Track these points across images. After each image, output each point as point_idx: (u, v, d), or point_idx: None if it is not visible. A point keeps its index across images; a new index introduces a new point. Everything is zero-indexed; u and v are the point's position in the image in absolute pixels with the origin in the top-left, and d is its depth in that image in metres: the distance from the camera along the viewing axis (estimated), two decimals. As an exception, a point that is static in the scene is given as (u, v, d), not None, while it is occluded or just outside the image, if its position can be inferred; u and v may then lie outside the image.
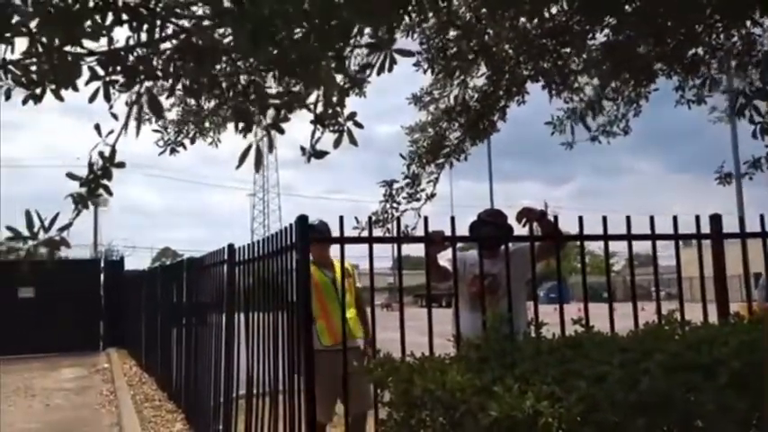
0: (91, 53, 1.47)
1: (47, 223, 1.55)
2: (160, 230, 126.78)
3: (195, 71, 1.51)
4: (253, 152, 1.60)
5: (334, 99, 1.60)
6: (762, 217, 3.98)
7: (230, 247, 5.53)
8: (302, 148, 1.76)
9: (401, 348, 3.32)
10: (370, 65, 1.65)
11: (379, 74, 1.60)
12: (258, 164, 1.62)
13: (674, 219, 3.90)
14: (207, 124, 3.43)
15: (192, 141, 2.46)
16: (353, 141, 1.70)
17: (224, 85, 1.74)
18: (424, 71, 4.84)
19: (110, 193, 1.62)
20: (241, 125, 1.63)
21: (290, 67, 1.51)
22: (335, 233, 3.71)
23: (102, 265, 17.35)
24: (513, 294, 3.73)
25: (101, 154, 1.56)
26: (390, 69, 1.67)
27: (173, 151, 3.35)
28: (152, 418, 7.36)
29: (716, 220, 4.01)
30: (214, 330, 5.95)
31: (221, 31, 1.56)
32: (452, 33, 4.62)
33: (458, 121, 5.15)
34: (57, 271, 16.60)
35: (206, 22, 1.49)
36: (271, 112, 1.64)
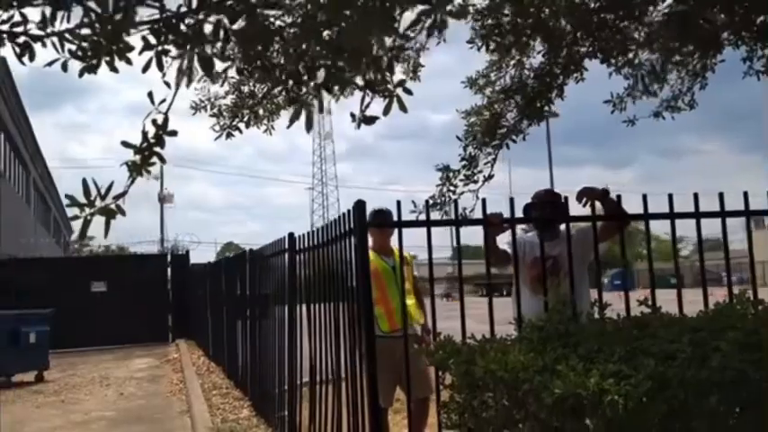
0: (143, 22, 1.50)
1: (103, 191, 1.59)
2: (223, 226, 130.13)
3: (244, 39, 1.51)
4: (303, 113, 1.61)
5: (384, 63, 1.59)
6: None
7: (290, 235, 5.61)
8: (352, 115, 1.75)
9: (462, 333, 3.29)
10: (419, 21, 1.61)
11: (429, 35, 1.57)
12: (309, 124, 1.62)
13: (745, 194, 3.73)
14: (261, 111, 3.47)
15: (248, 126, 2.49)
16: (403, 108, 1.68)
17: (274, 62, 1.76)
18: (478, 48, 4.74)
19: (163, 161, 1.65)
20: (294, 109, 1.64)
21: (328, 41, 1.51)
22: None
23: (169, 259, 17.91)
24: (575, 276, 3.64)
25: (154, 122, 1.59)
26: (441, 31, 1.65)
27: (228, 135, 3.40)
28: (220, 405, 7.56)
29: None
30: (277, 319, 6.06)
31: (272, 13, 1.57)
32: (507, 10, 4.51)
33: (514, 100, 5.04)
34: (127, 266, 17.33)
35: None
36: (321, 74, 1.64)
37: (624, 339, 2.61)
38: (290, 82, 1.84)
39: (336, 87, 1.68)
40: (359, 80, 1.64)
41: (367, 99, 1.68)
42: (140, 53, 1.53)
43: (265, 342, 6.63)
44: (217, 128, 3.40)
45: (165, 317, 16.22)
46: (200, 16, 1.50)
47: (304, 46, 1.67)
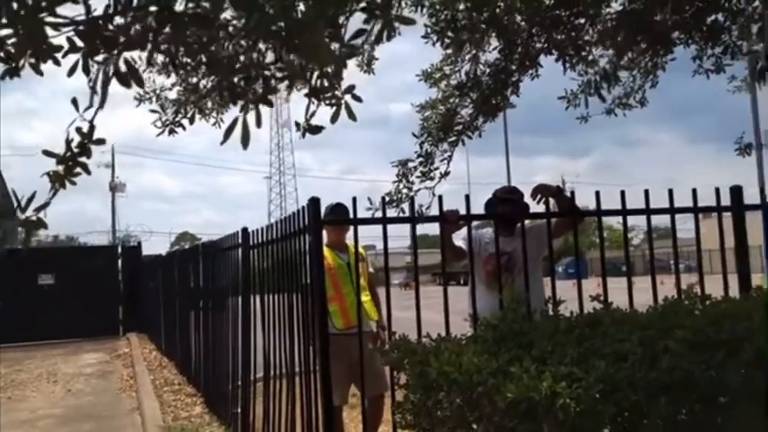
0: (68, 23, 1.41)
1: (23, 203, 1.50)
2: (178, 215, 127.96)
3: (173, 40, 1.44)
4: (239, 127, 1.54)
5: (330, 70, 1.53)
6: (784, 187, 3.88)
7: (244, 230, 5.51)
8: (297, 124, 1.69)
9: (417, 330, 3.28)
10: (364, 30, 1.55)
11: (377, 42, 1.54)
12: (245, 140, 1.55)
13: (694, 191, 3.81)
14: (210, 104, 3.35)
15: (191, 121, 2.38)
16: (352, 116, 1.63)
17: (204, 58, 1.68)
18: (433, 44, 4.71)
19: (88, 172, 1.56)
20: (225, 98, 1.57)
21: (277, 34, 1.44)
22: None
23: (120, 250, 17.51)
24: (530, 272, 3.67)
25: (78, 130, 1.50)
26: (389, 38, 1.60)
27: (171, 132, 3.27)
28: (172, 402, 7.42)
29: (736, 192, 3.91)
30: (231, 314, 5.96)
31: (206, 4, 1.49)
32: (462, 5, 4.48)
33: (470, 96, 5.03)
34: (75, 257, 16.85)
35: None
36: (259, 86, 1.57)
37: (576, 339, 2.63)
38: (237, 77, 1.75)
39: (272, 83, 1.61)
40: (304, 87, 1.57)
41: (312, 107, 1.62)
42: (64, 55, 1.43)
43: (219, 337, 6.52)
44: (159, 123, 3.26)
45: (116, 310, 15.86)
46: (128, 19, 1.42)
47: (245, 42, 1.61)
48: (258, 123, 1.55)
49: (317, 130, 1.66)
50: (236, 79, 1.58)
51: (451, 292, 3.50)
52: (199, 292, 7.98)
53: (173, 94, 3.26)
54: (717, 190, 3.84)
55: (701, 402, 2.37)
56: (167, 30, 1.42)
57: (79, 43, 1.42)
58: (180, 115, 3.16)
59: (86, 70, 1.45)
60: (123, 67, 1.44)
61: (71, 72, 1.46)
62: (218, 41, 1.59)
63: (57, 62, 1.43)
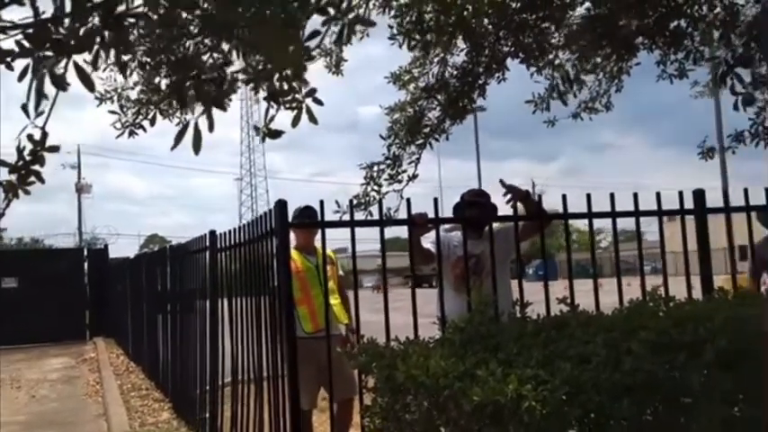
0: (14, 26, 1.37)
1: None
2: (148, 217, 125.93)
3: (118, 42, 1.40)
4: (191, 131, 1.51)
5: (289, 72, 1.50)
6: (746, 191, 3.96)
7: (212, 233, 5.46)
8: (256, 128, 1.66)
9: (386, 333, 3.27)
10: (319, 32, 1.53)
11: (337, 44, 1.52)
12: (197, 145, 1.52)
13: (658, 195, 3.86)
14: (174, 103, 3.28)
15: (152, 123, 2.32)
16: (313, 120, 1.60)
17: (164, 58, 1.65)
18: (400, 45, 4.71)
19: (41, 181, 1.51)
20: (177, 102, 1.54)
21: (219, 30, 1.41)
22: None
23: (86, 253, 17.20)
24: (498, 275, 3.69)
25: (30, 137, 1.46)
26: (348, 40, 1.58)
27: (131, 134, 3.19)
28: (139, 407, 7.31)
29: (699, 195, 3.98)
30: (199, 318, 5.89)
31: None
32: (428, 7, 4.49)
33: (437, 99, 5.05)
34: (40, 260, 16.50)
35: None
36: (210, 87, 1.54)
37: (543, 342, 2.65)
38: (201, 77, 1.72)
39: (226, 87, 1.58)
40: (263, 90, 1.55)
41: (272, 111, 1.59)
42: (13, 59, 1.39)
43: (187, 341, 6.44)
44: (118, 125, 3.18)
45: (82, 314, 15.57)
46: (76, 22, 1.38)
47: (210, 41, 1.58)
48: (210, 128, 1.52)
49: (276, 134, 1.63)
50: (188, 83, 1.55)
51: (422, 295, 3.51)
52: (167, 296, 7.87)
53: (134, 95, 3.19)
54: (680, 193, 3.91)
55: (664, 403, 2.40)
56: (112, 32, 1.38)
57: (28, 47, 1.37)
58: (141, 116, 3.10)
59: (36, 74, 1.40)
60: (61, 71, 1.39)
61: (21, 76, 1.42)
62: (177, 41, 1.56)
63: (9, 66, 1.39)
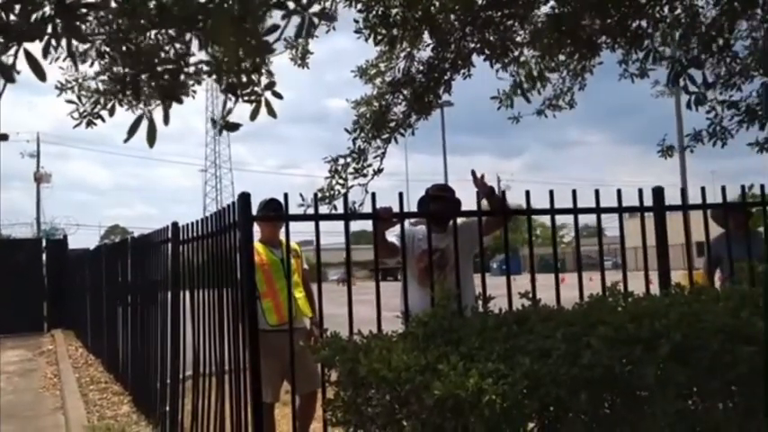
0: None
1: None
2: (109, 208, 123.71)
3: (69, 31, 1.37)
4: (145, 123, 1.48)
5: (248, 65, 1.48)
6: (703, 189, 4.05)
7: (174, 225, 5.38)
8: (213, 121, 1.64)
9: (349, 326, 3.28)
10: (278, 27, 1.51)
11: (297, 39, 1.51)
12: (151, 137, 1.50)
13: (618, 192, 3.93)
14: (137, 94, 3.20)
15: (111, 113, 2.26)
16: (272, 113, 1.59)
17: (105, 48, 1.61)
18: (366, 39, 4.70)
19: None
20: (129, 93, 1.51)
21: (178, 22, 1.39)
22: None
23: (45, 244, 16.81)
24: (461, 269, 3.72)
25: None
26: (309, 34, 1.57)
27: (89, 124, 3.12)
28: (98, 401, 7.19)
29: (658, 192, 4.06)
30: (160, 311, 5.81)
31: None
32: (395, 1, 4.49)
33: (402, 93, 5.05)
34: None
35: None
36: (165, 80, 1.51)
37: (504, 336, 2.68)
38: (161, 67, 1.69)
39: (182, 79, 1.55)
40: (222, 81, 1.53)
41: (229, 104, 1.57)
42: None
43: (148, 334, 6.35)
44: (76, 115, 3.11)
45: (40, 305, 15.22)
46: (29, 8, 1.34)
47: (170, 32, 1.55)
48: (165, 120, 1.49)
49: (233, 127, 1.62)
50: (144, 75, 1.52)
51: (387, 288, 3.52)
52: (127, 288, 7.75)
53: (94, 84, 3.12)
54: (640, 191, 3.98)
55: (621, 397, 2.45)
56: (63, 20, 1.35)
57: None
58: (99, 106, 3.02)
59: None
60: (11, 58, 1.36)
61: None
62: (136, 32, 1.52)
63: None
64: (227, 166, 75.32)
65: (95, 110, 3.03)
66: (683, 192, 4.20)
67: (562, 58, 5.00)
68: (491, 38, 4.63)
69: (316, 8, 1.52)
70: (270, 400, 4.23)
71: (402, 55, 5.16)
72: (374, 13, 4.50)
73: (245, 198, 3.50)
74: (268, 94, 1.58)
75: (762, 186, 4.08)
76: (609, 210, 3.94)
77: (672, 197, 4.11)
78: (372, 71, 5.31)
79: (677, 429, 2.37)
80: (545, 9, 4.61)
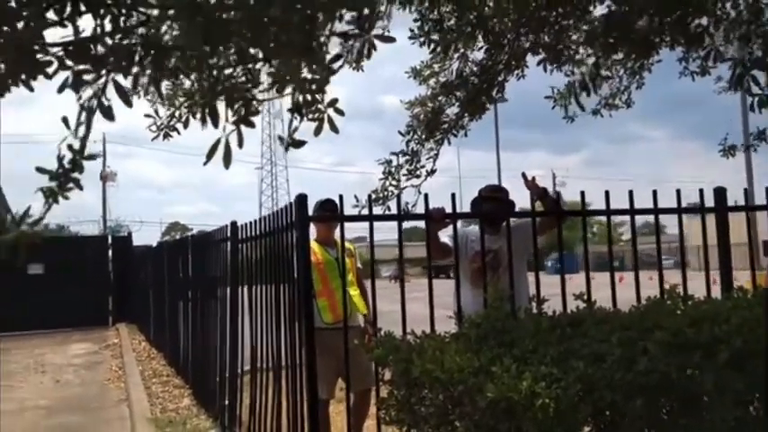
0: (55, 44, 1.42)
1: (17, 217, 1.53)
2: (169, 205, 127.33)
3: (155, 64, 1.46)
4: (221, 148, 1.56)
5: (313, 86, 1.54)
6: (767, 189, 3.93)
7: (233, 224, 5.53)
8: (280, 138, 1.71)
9: (402, 326, 3.32)
10: (341, 56, 1.58)
11: (358, 62, 1.56)
12: (227, 160, 1.57)
13: (678, 192, 3.86)
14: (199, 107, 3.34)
15: (186, 126, 2.37)
16: (335, 129, 1.65)
17: (192, 78, 1.69)
18: (420, 45, 4.73)
19: (80, 188, 1.58)
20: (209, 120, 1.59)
21: (252, 59, 1.46)
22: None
23: (111, 240, 17.46)
24: (515, 270, 3.71)
25: (70, 147, 1.53)
26: (369, 56, 1.62)
27: (166, 136, 3.28)
28: (160, 393, 7.44)
29: (720, 193, 3.96)
30: (219, 307, 5.98)
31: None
32: (449, 6, 4.49)
33: (456, 95, 5.06)
34: (66, 247, 16.79)
35: (156, 12, 1.43)
36: (239, 106, 1.59)
37: (557, 339, 2.67)
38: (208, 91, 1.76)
39: (254, 105, 1.63)
40: (287, 102, 1.60)
41: (295, 123, 1.63)
42: (53, 74, 1.45)
43: (207, 329, 6.54)
44: (153, 128, 3.27)
45: (106, 300, 15.83)
46: (115, 40, 1.43)
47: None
48: (240, 144, 1.57)
49: (299, 144, 1.68)
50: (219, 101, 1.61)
51: (439, 286, 3.55)
52: (188, 284, 7.98)
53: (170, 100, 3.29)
54: (701, 191, 3.90)
55: (678, 402, 2.42)
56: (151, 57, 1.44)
57: (69, 62, 1.44)
58: (174, 119, 3.18)
59: (76, 89, 1.47)
60: (110, 92, 1.46)
61: (61, 89, 1.48)
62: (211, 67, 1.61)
63: (48, 76, 1.45)
64: (283, 164, 76.26)
65: (171, 122, 3.18)
66: (746, 192, 4.08)
67: (619, 56, 4.91)
68: (545, 38, 4.60)
69: (377, 31, 1.57)
70: (325, 397, 4.31)
71: (456, 56, 5.17)
72: (428, 20, 4.53)
73: (301, 199, 3.59)
74: (330, 110, 1.63)
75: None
76: (667, 210, 3.87)
77: (735, 195, 4.00)
78: (426, 72, 5.33)
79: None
80: (601, 9, 4.54)
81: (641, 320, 2.83)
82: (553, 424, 2.20)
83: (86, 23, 1.44)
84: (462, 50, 5.03)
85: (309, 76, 1.56)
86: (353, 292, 4.63)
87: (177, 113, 3.02)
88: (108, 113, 1.46)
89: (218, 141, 1.55)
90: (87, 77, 1.42)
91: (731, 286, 3.74)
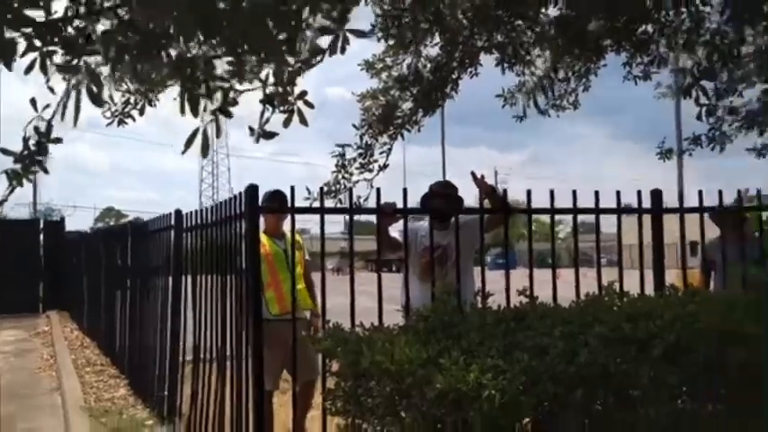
0: (27, 23, 1.39)
1: None
2: (103, 189, 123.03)
3: (139, 50, 1.44)
4: (199, 137, 1.55)
5: (285, 78, 1.55)
6: (700, 192, 4.13)
7: (177, 212, 5.43)
8: (251, 129, 1.71)
9: (351, 318, 3.34)
10: (322, 50, 1.59)
11: (331, 55, 1.57)
12: (205, 150, 1.57)
13: (618, 194, 4.01)
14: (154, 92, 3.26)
15: (141, 113, 2.31)
16: (304, 122, 1.66)
17: (168, 68, 1.67)
18: (378, 40, 4.78)
19: (45, 171, 1.55)
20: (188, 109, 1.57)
21: (238, 51, 1.46)
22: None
23: (42, 225, 16.82)
24: (462, 265, 3.79)
25: (36, 129, 1.49)
26: (343, 51, 1.64)
27: (120, 123, 3.18)
28: (94, 383, 7.25)
29: (656, 195, 4.14)
30: (160, 296, 5.87)
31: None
32: (408, 1, 4.54)
33: (410, 91, 5.12)
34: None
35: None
36: (218, 96, 1.59)
37: (503, 332, 2.75)
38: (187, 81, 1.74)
39: (231, 96, 1.63)
40: (259, 93, 1.60)
41: (267, 114, 1.64)
42: (23, 55, 1.41)
43: (147, 318, 6.41)
44: (108, 114, 3.17)
45: (36, 287, 15.26)
46: (86, 23, 1.40)
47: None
48: (218, 133, 1.57)
49: (270, 135, 1.69)
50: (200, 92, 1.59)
51: (385, 279, 3.58)
52: (126, 272, 7.79)
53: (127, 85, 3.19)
54: (638, 193, 4.07)
55: (614, 395, 2.53)
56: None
57: (37, 43, 1.40)
58: (129, 106, 3.09)
59: (44, 70, 1.43)
60: (86, 78, 1.43)
61: (28, 70, 1.44)
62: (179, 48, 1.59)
63: (9, 66, 1.40)
64: (225, 152, 74.93)
65: (126, 109, 3.09)
66: (681, 195, 4.28)
67: (568, 59, 5.06)
68: (498, 38, 4.70)
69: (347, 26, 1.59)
70: (269, 388, 4.30)
71: (409, 51, 5.21)
72: (388, 13, 4.56)
73: (252, 190, 3.57)
74: (300, 103, 1.65)
75: (758, 191, 4.18)
76: (608, 211, 4.02)
77: (667, 192, 4.19)
78: (379, 65, 5.36)
79: (668, 429, 2.46)
80: (553, 12, 4.67)
81: (581, 315, 2.94)
82: (498, 415, 2.28)
83: (58, 6, 1.41)
84: (416, 46, 5.08)
85: (291, 68, 1.57)
86: (300, 285, 4.63)
87: (133, 99, 2.95)
88: (97, 99, 1.43)
89: (196, 131, 1.55)
90: (59, 64, 1.39)
91: (664, 283, 3.92)
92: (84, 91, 1.44)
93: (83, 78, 1.42)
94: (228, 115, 1.60)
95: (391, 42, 4.83)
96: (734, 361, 2.51)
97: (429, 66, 5.12)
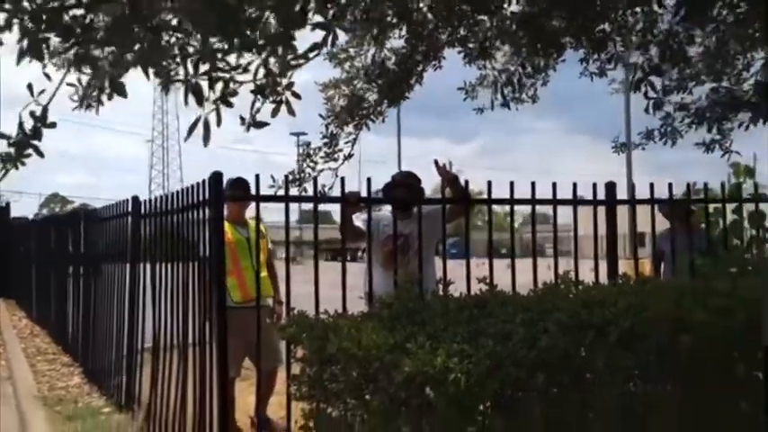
0: (22, 10, 1.38)
1: None
2: (48, 174, 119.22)
3: (147, 40, 1.45)
4: (201, 125, 1.58)
5: (277, 69, 1.59)
6: (651, 186, 4.30)
7: (135, 199, 5.37)
8: (242, 118, 1.74)
9: (315, 305, 3.38)
10: (318, 45, 1.64)
11: (321, 48, 1.61)
12: (206, 138, 1.60)
13: (574, 186, 4.15)
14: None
15: (110, 97, 2.28)
16: (291, 112, 1.70)
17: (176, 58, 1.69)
18: (345, 31, 4.80)
19: (40, 154, 1.55)
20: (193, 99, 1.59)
21: (248, 45, 1.49)
22: (253, 190, 3.68)
23: (-14, 211, 16.28)
24: (424, 254, 3.87)
25: (32, 114, 1.48)
26: (333, 44, 1.68)
27: (88, 107, 3.12)
28: (47, 371, 7.10)
29: (610, 187, 4.30)
30: (117, 283, 5.79)
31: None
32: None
33: (375, 82, 5.18)
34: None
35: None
36: (219, 86, 1.61)
37: (466, 319, 2.84)
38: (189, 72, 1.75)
39: (231, 85, 1.65)
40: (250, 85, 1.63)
41: (257, 104, 1.67)
42: (19, 41, 1.40)
43: (102, 306, 6.31)
44: (75, 97, 3.09)
45: (-20, 273, 14.75)
46: (84, 11, 1.41)
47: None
48: (219, 123, 1.59)
49: (261, 125, 1.72)
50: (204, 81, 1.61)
51: (339, 267, 3.63)
52: (80, 260, 7.64)
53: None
54: (594, 185, 4.21)
55: (573, 379, 2.65)
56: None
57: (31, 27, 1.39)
58: (98, 91, 3.02)
59: (40, 57, 1.42)
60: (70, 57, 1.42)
61: (20, 58, 1.43)
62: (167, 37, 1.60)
63: None
64: (175, 138, 73.48)
65: (93, 93, 3.02)
66: (632, 187, 4.45)
67: (528, 54, 5.19)
68: (461, 32, 4.79)
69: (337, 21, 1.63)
70: (232, 375, 4.32)
71: (373, 42, 5.26)
72: (357, 7, 4.59)
73: (217, 177, 3.56)
74: (288, 93, 1.68)
75: (705, 184, 4.39)
76: (565, 202, 4.15)
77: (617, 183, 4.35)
78: (342, 55, 5.40)
79: (622, 410, 2.59)
80: (514, 7, 4.78)
81: (540, 303, 3.06)
82: (463, 398, 2.37)
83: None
84: (381, 38, 5.13)
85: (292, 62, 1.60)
86: (263, 273, 4.65)
87: (100, 84, 2.90)
88: (120, 90, 1.43)
89: (198, 119, 1.57)
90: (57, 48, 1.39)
91: (617, 272, 4.08)
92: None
93: (102, 71, 1.43)
94: (229, 105, 1.63)
95: (355, 37, 4.88)
96: (683, 346, 2.66)
97: (394, 58, 5.20)
